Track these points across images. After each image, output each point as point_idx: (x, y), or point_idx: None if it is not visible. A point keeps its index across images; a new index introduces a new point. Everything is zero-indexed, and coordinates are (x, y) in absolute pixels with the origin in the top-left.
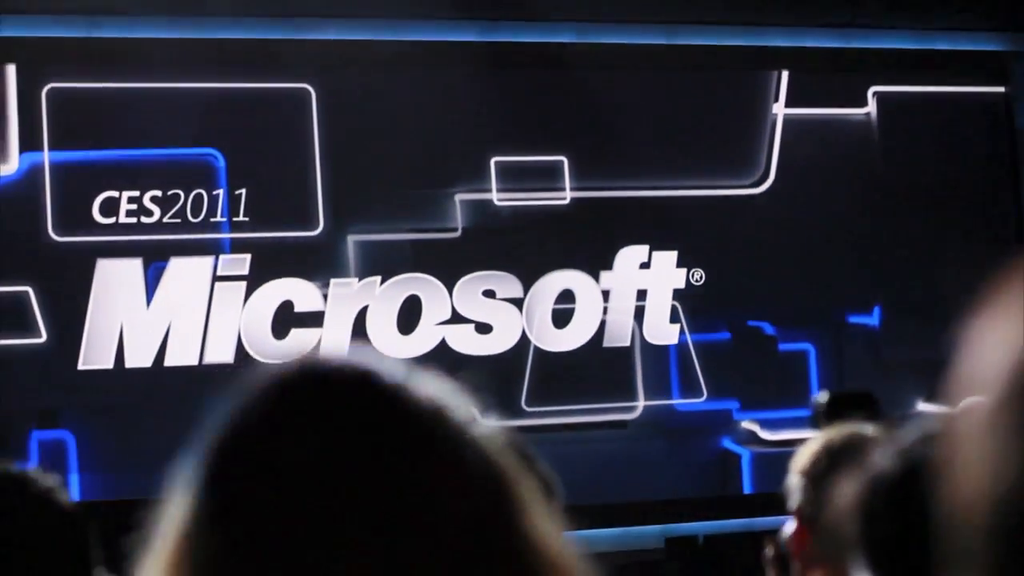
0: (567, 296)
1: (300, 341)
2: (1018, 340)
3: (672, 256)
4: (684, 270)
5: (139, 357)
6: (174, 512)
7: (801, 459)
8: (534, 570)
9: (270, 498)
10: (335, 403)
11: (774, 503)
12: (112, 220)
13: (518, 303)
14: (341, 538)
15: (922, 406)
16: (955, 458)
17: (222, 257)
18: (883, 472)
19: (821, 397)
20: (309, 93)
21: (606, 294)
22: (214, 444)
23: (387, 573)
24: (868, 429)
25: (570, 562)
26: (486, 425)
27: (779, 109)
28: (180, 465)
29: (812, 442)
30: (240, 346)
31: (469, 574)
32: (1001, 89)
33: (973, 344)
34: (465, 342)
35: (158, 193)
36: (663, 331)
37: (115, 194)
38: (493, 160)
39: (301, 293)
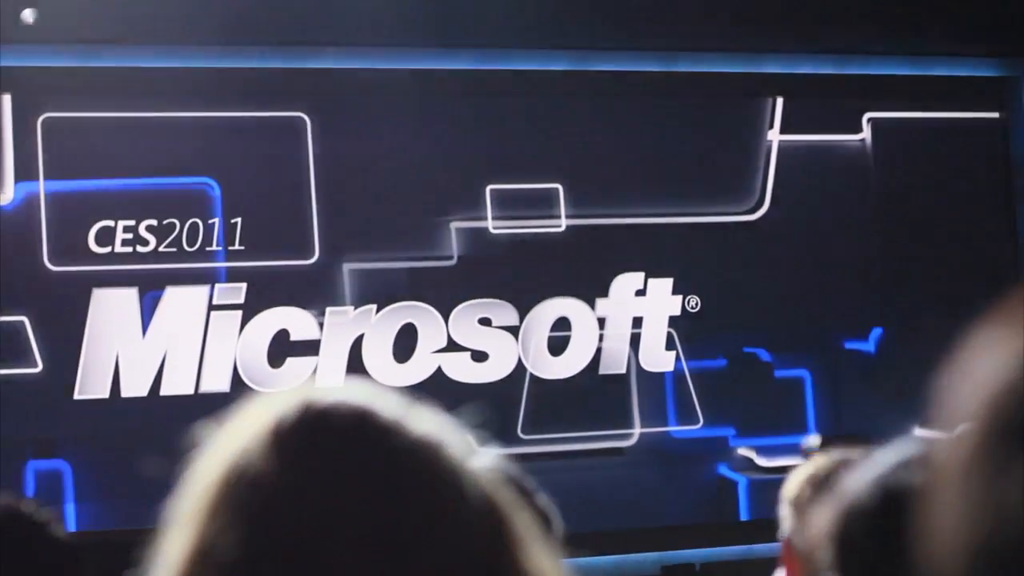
0: (563, 323)
1: (296, 370)
2: (1001, 373)
3: (668, 283)
4: (680, 297)
5: (135, 386)
6: (172, 546)
7: (789, 488)
8: None
9: (269, 537)
10: (333, 442)
11: (771, 530)
12: (108, 250)
13: (514, 331)
14: (345, 567)
15: (917, 432)
16: (934, 496)
17: (218, 286)
18: (860, 500)
19: (812, 441)
20: (304, 122)
21: (602, 321)
22: (214, 480)
23: None
24: (854, 456)
25: None
26: (484, 460)
27: (774, 136)
28: (178, 496)
29: (800, 470)
30: (236, 375)
31: None
32: (997, 115)
33: (958, 376)
34: (461, 370)
35: (153, 222)
36: (659, 358)
37: (111, 223)
38: (488, 188)
39: (297, 322)
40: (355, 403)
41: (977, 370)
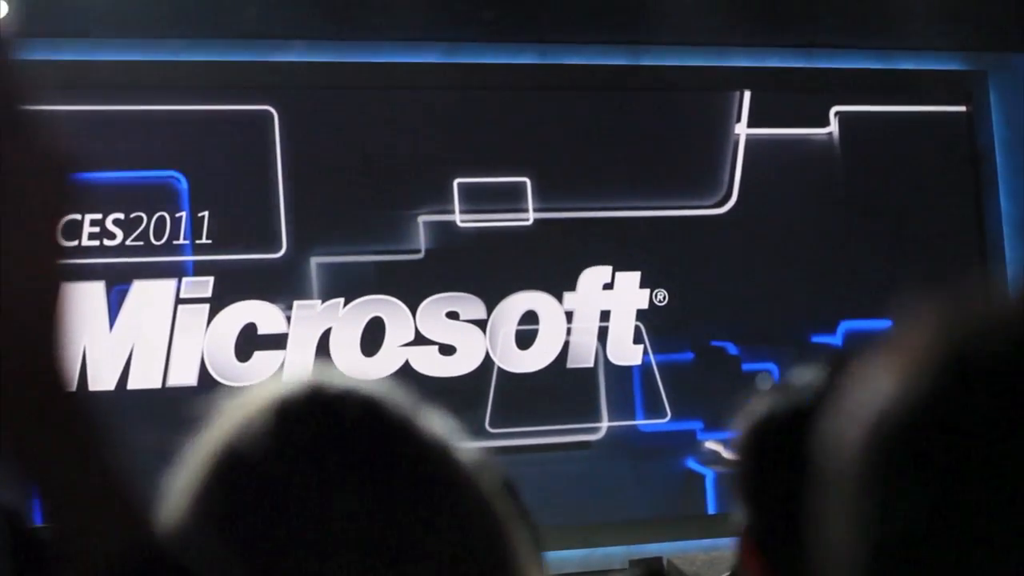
0: (530, 317)
1: (263, 364)
2: (884, 396)
3: (635, 277)
4: (647, 291)
5: (102, 381)
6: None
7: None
8: None
9: (270, 522)
10: (342, 431)
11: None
12: (74, 243)
13: (481, 324)
14: (342, 567)
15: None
16: (824, 509)
17: (185, 280)
18: (770, 414)
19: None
20: (272, 115)
21: (569, 315)
22: (217, 462)
23: None
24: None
25: None
26: (483, 463)
27: (741, 129)
28: (177, 474)
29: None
30: (204, 369)
31: None
32: (963, 109)
33: (846, 396)
34: (428, 364)
35: (120, 216)
36: (627, 352)
37: (77, 217)
38: (456, 181)
39: (264, 315)
40: (365, 393)
41: (864, 392)
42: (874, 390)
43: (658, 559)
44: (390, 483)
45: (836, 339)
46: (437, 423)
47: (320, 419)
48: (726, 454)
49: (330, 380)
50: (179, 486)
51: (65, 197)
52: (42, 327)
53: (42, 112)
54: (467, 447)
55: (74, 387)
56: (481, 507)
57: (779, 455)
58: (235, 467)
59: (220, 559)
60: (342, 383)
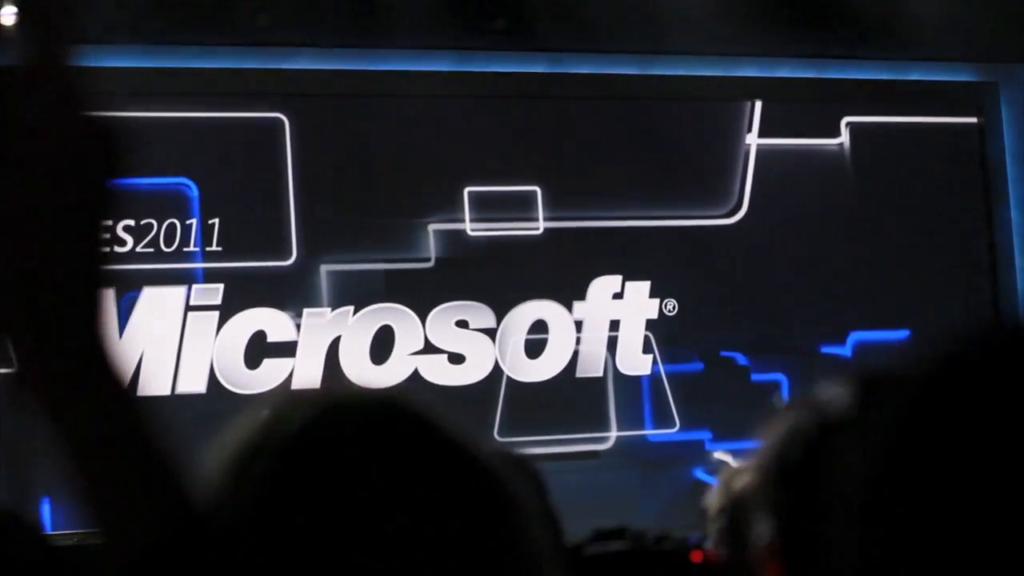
0: (540, 326)
1: (273, 371)
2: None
3: (645, 286)
4: (657, 300)
5: None
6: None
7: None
8: None
9: (313, 518)
10: (370, 440)
11: None
12: None
13: (491, 333)
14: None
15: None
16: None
17: (195, 287)
18: (796, 427)
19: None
20: (283, 123)
21: (579, 324)
22: (236, 450)
23: None
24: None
25: None
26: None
27: (752, 139)
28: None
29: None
30: (213, 376)
31: None
32: (974, 120)
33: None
34: (438, 372)
35: (131, 223)
36: (636, 361)
37: None
38: (466, 190)
39: (274, 323)
40: (414, 404)
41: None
42: (883, 420)
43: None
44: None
45: (846, 350)
46: (462, 432)
47: (368, 424)
48: (743, 464)
49: (371, 389)
50: (216, 474)
51: (111, 200)
52: (83, 304)
53: (100, 116)
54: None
55: (125, 380)
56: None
57: (803, 470)
58: (281, 460)
59: (258, 546)
60: (390, 392)
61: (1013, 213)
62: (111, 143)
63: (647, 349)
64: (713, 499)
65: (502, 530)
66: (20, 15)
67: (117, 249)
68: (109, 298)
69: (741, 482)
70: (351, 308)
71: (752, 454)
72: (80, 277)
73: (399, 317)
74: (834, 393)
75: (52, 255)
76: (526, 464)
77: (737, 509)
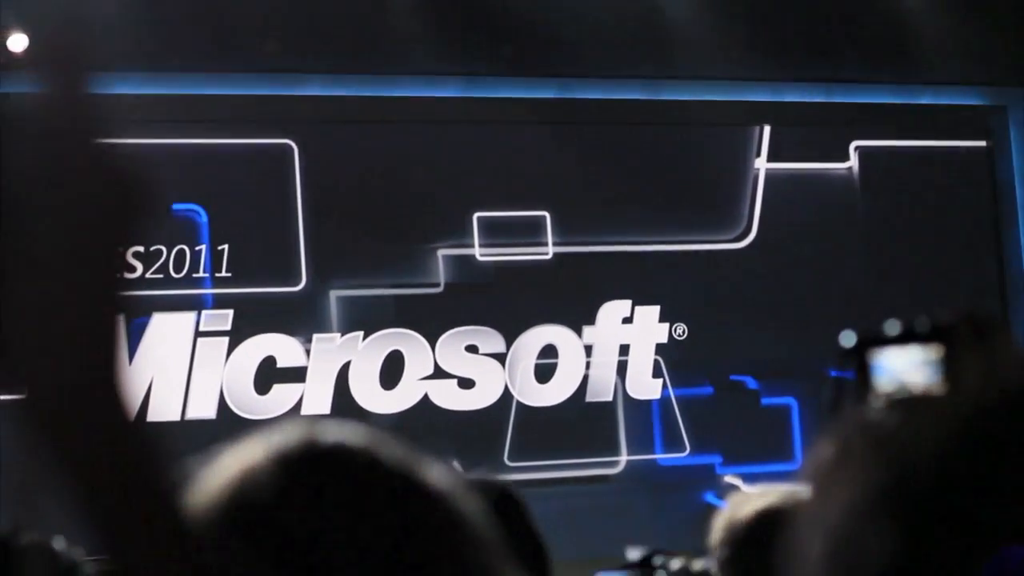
0: (550, 351)
1: (282, 397)
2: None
3: (655, 311)
4: (667, 325)
5: None
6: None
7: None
8: None
9: (266, 565)
10: (344, 482)
11: None
12: None
13: (500, 358)
14: None
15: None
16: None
17: (204, 313)
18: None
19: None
20: (292, 149)
21: (589, 349)
22: (216, 500)
23: None
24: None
25: None
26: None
27: (761, 164)
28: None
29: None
30: (223, 402)
31: None
32: (983, 143)
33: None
34: (447, 397)
35: (140, 249)
36: (646, 386)
37: None
38: (475, 215)
39: (283, 348)
40: (366, 445)
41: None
42: (822, 513)
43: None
44: (391, 534)
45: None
46: (438, 474)
47: (325, 467)
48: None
49: (327, 432)
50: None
51: (129, 228)
52: (101, 354)
53: (118, 144)
54: (466, 496)
55: (134, 415)
56: (478, 559)
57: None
58: (241, 507)
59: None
60: (340, 435)
61: (1022, 236)
62: (132, 181)
63: (657, 373)
64: (716, 530)
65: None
66: (36, 48)
67: (126, 275)
68: (124, 326)
69: (746, 511)
70: (360, 333)
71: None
72: (97, 308)
73: (409, 342)
74: (883, 413)
75: (71, 286)
76: (506, 491)
77: (742, 540)
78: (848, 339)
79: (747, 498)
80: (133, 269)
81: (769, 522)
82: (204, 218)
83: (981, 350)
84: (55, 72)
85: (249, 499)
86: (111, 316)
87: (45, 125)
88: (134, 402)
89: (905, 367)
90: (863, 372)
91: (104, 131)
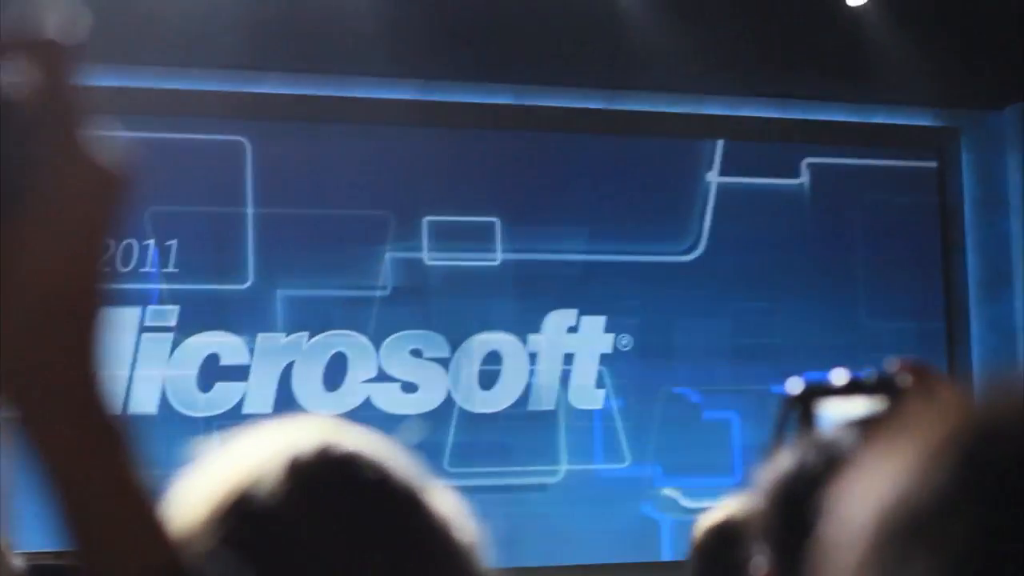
0: (494, 357)
1: (225, 395)
2: (890, 484)
3: (600, 321)
4: (612, 335)
5: None
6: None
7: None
8: None
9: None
10: (354, 494)
11: None
12: None
13: (444, 363)
14: None
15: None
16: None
17: (150, 308)
18: (803, 463)
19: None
20: (244, 146)
21: (533, 356)
22: (220, 504)
23: None
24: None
25: None
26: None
27: (713, 177)
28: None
29: (709, 516)
30: (164, 398)
31: None
32: (933, 164)
33: (850, 487)
34: (390, 401)
35: None
36: (588, 395)
37: None
38: (425, 219)
39: (228, 346)
40: (379, 460)
41: (869, 480)
42: (886, 476)
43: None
44: (394, 553)
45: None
46: (443, 496)
47: (333, 483)
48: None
49: (343, 439)
50: (186, 518)
51: (110, 220)
52: (80, 347)
53: (101, 134)
54: (468, 525)
55: (115, 409)
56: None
57: (807, 507)
58: (248, 518)
59: None
60: (354, 444)
61: (969, 259)
62: (116, 176)
63: (600, 384)
64: (697, 532)
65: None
66: (17, 44)
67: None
68: (108, 324)
69: (724, 517)
70: (306, 334)
71: (755, 486)
72: (78, 309)
73: (353, 344)
74: (842, 432)
75: (53, 288)
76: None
77: (721, 543)
78: (794, 386)
79: (708, 513)
80: (114, 261)
81: (723, 535)
82: (153, 213)
83: (926, 401)
84: (37, 62)
85: (255, 505)
86: (93, 307)
87: (28, 114)
88: (112, 395)
89: (848, 417)
90: (807, 419)
91: (88, 121)
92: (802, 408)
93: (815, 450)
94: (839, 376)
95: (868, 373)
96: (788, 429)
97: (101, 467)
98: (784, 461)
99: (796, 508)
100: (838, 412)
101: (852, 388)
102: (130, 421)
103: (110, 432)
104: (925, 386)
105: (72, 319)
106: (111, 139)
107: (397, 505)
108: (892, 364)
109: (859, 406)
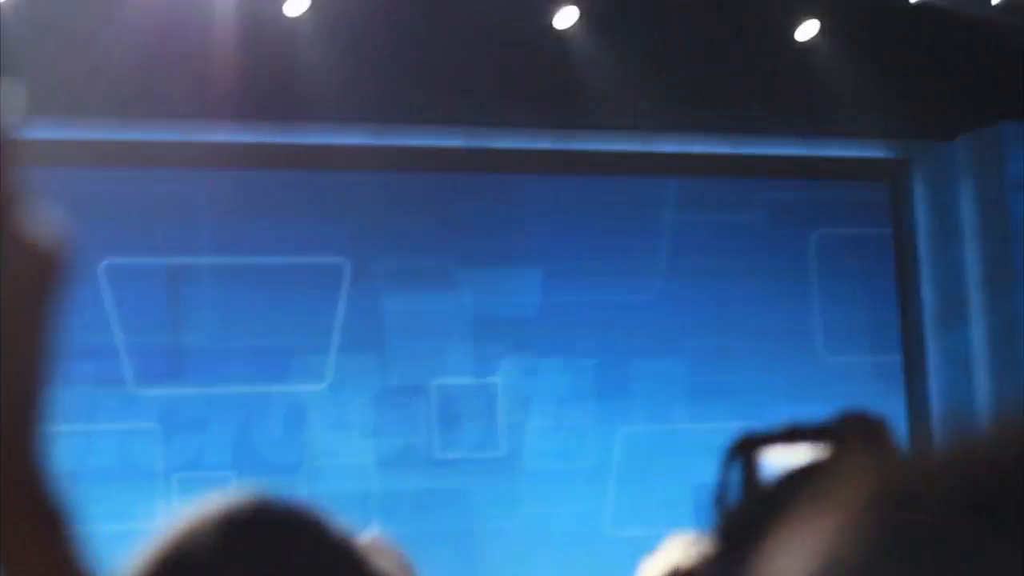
0: (452, 401)
1: (183, 446)
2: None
3: (558, 362)
4: (569, 376)
5: None
6: None
7: None
8: None
9: None
10: (287, 548)
11: None
12: None
13: (404, 407)
14: None
15: None
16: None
17: (104, 361)
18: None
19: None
20: (196, 195)
21: (492, 399)
22: (156, 560)
23: None
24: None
25: None
26: None
27: (669, 214)
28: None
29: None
30: (123, 451)
31: None
32: (886, 195)
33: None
34: (351, 449)
35: None
36: (546, 437)
37: None
38: (381, 264)
39: (185, 398)
40: (307, 512)
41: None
42: (812, 538)
43: None
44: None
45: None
46: (380, 556)
47: (267, 535)
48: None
49: (273, 497)
50: None
51: (48, 305)
52: (18, 439)
53: (37, 215)
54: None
55: (55, 495)
56: None
57: (745, 559)
58: (180, 570)
59: None
60: (284, 501)
61: (924, 290)
62: (54, 259)
63: (558, 426)
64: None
65: None
66: None
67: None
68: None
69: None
70: (264, 384)
71: (700, 533)
72: (16, 400)
73: (313, 393)
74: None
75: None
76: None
77: None
78: (736, 435)
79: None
80: (59, 333)
81: None
82: (102, 264)
83: (867, 450)
84: None
85: (189, 558)
86: (33, 395)
87: None
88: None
89: (791, 465)
90: (750, 468)
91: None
92: (745, 457)
93: (756, 499)
94: (781, 425)
95: (808, 422)
96: (732, 478)
97: (40, 555)
98: (724, 510)
99: (736, 559)
100: (780, 460)
101: (794, 436)
102: (71, 505)
103: (51, 520)
104: (866, 435)
105: (10, 409)
106: (48, 219)
107: (334, 562)
108: (834, 413)
109: (801, 454)
